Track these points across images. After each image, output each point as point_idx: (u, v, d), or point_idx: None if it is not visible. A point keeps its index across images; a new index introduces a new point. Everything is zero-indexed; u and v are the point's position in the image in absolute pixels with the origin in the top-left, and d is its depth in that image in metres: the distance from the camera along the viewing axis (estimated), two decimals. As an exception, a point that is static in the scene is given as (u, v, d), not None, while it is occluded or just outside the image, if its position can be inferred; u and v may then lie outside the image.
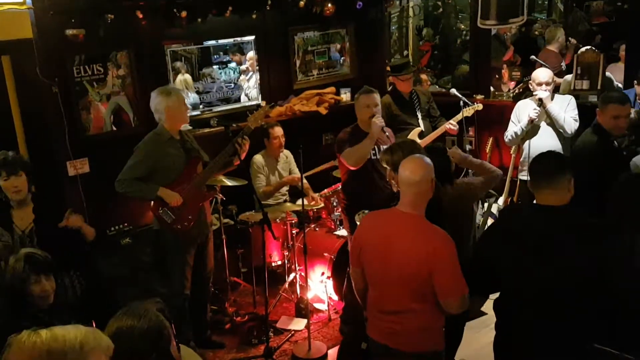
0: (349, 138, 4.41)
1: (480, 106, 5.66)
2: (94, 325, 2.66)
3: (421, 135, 5.42)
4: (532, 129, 5.02)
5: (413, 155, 2.97)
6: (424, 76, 7.70)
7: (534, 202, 2.94)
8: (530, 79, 5.23)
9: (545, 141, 4.92)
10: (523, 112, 5.11)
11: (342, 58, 6.83)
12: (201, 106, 5.81)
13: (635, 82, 5.00)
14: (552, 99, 5.01)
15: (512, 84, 6.57)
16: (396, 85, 5.60)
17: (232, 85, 6.05)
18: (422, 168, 2.83)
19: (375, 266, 2.95)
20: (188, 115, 4.42)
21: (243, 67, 6.08)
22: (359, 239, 3.07)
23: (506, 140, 5.28)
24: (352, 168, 4.40)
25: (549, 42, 7.17)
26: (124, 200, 4.58)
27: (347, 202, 4.60)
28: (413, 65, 6.79)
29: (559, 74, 6.51)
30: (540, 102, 4.94)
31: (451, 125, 5.36)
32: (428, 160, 2.90)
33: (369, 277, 3.01)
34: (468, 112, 5.59)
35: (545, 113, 4.97)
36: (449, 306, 2.82)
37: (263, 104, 4.68)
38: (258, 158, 5.62)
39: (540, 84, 4.99)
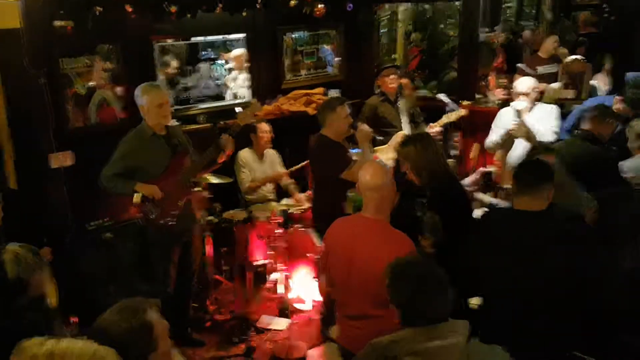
0: (339, 152, 4.29)
1: (463, 111, 5.60)
2: (77, 321, 2.64)
3: None
4: (508, 140, 5.00)
5: (371, 161, 3.05)
6: (405, 80, 7.66)
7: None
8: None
9: (522, 151, 4.87)
10: (503, 119, 5.13)
11: (334, 58, 6.81)
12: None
13: (617, 95, 5.04)
14: (530, 109, 5.02)
15: (499, 90, 6.59)
16: (382, 87, 5.63)
17: (220, 82, 6.02)
18: (382, 172, 2.91)
19: (339, 270, 2.99)
20: (170, 111, 4.36)
21: (227, 66, 6.04)
22: (327, 243, 3.11)
23: (486, 146, 5.32)
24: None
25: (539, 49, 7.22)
26: (106, 195, 4.53)
27: (318, 216, 4.51)
28: (399, 67, 6.77)
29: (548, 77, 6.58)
30: (519, 113, 4.96)
31: (431, 128, 5.37)
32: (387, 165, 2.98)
33: (334, 281, 3.06)
34: (450, 117, 5.60)
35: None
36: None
37: (254, 101, 4.64)
38: (244, 153, 5.60)
39: (518, 95, 5.01)
